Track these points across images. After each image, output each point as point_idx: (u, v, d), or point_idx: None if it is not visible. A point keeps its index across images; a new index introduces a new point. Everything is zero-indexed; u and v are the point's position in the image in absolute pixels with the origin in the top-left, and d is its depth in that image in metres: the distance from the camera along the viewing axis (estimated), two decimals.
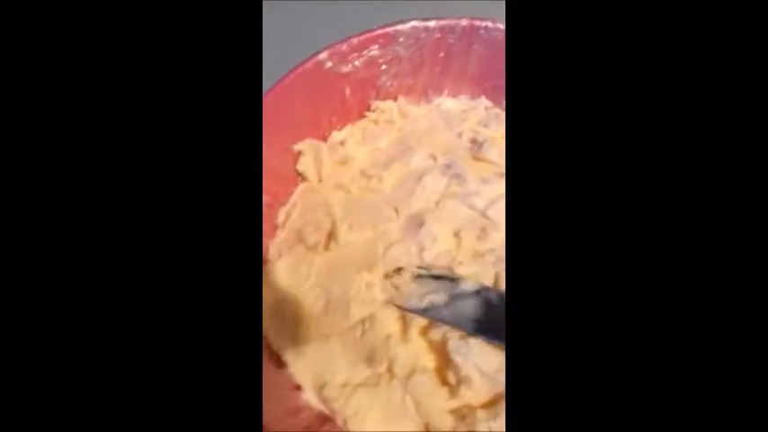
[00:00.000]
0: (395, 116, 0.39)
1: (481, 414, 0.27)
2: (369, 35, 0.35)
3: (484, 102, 0.40)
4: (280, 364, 0.29)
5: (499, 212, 0.33)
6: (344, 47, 0.34)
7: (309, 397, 0.28)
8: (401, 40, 0.36)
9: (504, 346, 0.27)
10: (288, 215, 0.35)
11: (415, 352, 0.29)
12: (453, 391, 0.28)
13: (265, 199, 0.33)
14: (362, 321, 0.30)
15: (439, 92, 0.40)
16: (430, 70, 0.39)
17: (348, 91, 0.37)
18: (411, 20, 0.36)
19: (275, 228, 0.34)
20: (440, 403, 0.28)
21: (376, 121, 0.39)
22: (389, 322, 0.30)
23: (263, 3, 0.28)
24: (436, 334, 0.29)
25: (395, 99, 0.39)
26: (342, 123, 0.38)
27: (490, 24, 0.36)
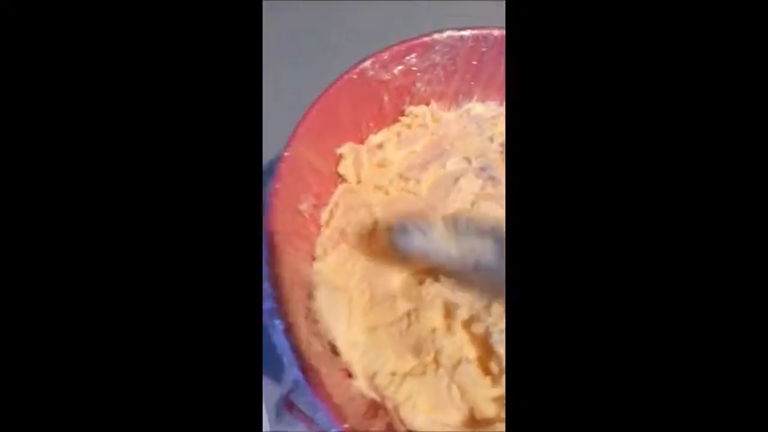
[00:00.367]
0: (428, 120, 0.41)
1: None
2: (409, 44, 0.37)
3: None
4: (335, 352, 0.31)
5: None
6: (386, 55, 0.36)
7: (361, 384, 0.30)
8: (437, 48, 0.38)
9: None
10: (331, 214, 0.37)
11: (459, 344, 0.31)
12: (496, 380, 0.30)
13: (310, 200, 0.35)
14: (408, 314, 0.32)
15: (469, 97, 0.42)
16: (462, 77, 0.41)
17: (386, 97, 0.38)
18: (447, 30, 0.38)
19: (319, 226, 0.36)
20: (484, 391, 0.30)
21: (409, 126, 0.40)
22: (434, 316, 0.32)
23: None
24: (479, 327, 0.31)
25: (427, 104, 0.41)
26: (378, 127, 0.40)
27: None
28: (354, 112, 0.37)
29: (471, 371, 0.30)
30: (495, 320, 0.31)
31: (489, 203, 0.36)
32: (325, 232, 0.36)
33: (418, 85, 0.40)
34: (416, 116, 0.41)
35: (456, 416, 0.30)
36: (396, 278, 0.34)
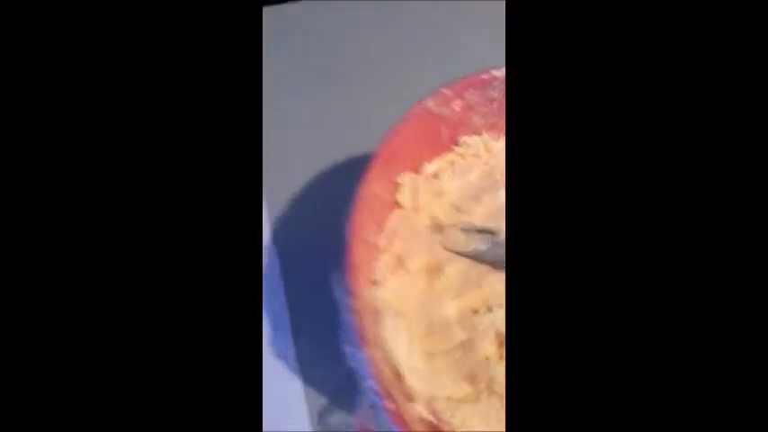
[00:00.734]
0: (481, 151, 0.43)
1: None
2: (470, 80, 0.39)
3: None
4: (398, 377, 0.33)
5: None
6: (449, 91, 0.38)
7: (421, 408, 0.32)
8: (495, 84, 0.40)
9: None
10: (389, 241, 0.39)
11: None
12: None
13: (371, 227, 0.37)
14: (462, 344, 0.34)
15: None
16: None
17: (444, 130, 0.40)
18: (503, 67, 0.40)
19: (378, 251, 0.38)
20: None
21: (463, 156, 0.42)
22: (487, 345, 0.34)
23: None
24: None
25: (480, 134, 0.43)
26: (434, 156, 0.42)
27: None
28: (415, 144, 0.39)
29: None
30: None
31: None
32: (383, 258, 0.38)
33: (474, 118, 0.41)
34: (470, 146, 0.42)
35: None
36: (451, 306, 0.36)
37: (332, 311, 0.33)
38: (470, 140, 0.42)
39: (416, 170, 0.41)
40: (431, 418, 0.32)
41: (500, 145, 0.44)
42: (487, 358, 0.34)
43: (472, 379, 0.33)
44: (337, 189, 0.37)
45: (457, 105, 0.39)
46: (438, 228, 0.39)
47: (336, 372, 0.34)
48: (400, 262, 0.37)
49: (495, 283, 0.36)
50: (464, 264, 0.37)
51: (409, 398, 0.33)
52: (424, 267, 0.37)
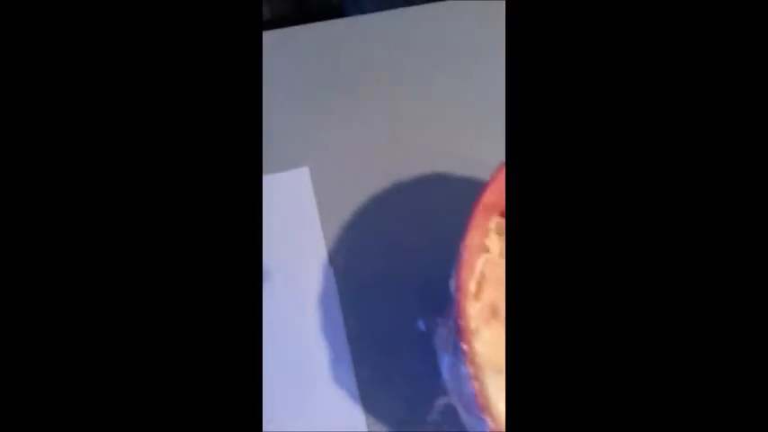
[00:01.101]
0: None
1: None
2: None
3: None
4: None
5: None
6: None
7: None
8: None
9: None
10: (479, 287, 0.38)
11: None
12: None
13: (463, 273, 0.36)
14: None
15: None
16: None
17: None
18: None
19: (468, 296, 0.38)
20: None
21: None
22: None
23: None
24: None
25: None
26: None
27: None
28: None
29: None
30: None
31: None
32: (476, 306, 0.37)
33: None
34: None
35: None
36: None
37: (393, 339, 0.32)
38: None
39: (502, 214, 0.40)
40: None
41: None
42: None
43: None
44: (393, 213, 0.36)
45: None
46: None
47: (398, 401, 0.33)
48: (494, 312, 0.37)
49: None
50: None
51: None
52: None
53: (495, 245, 0.39)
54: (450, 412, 0.34)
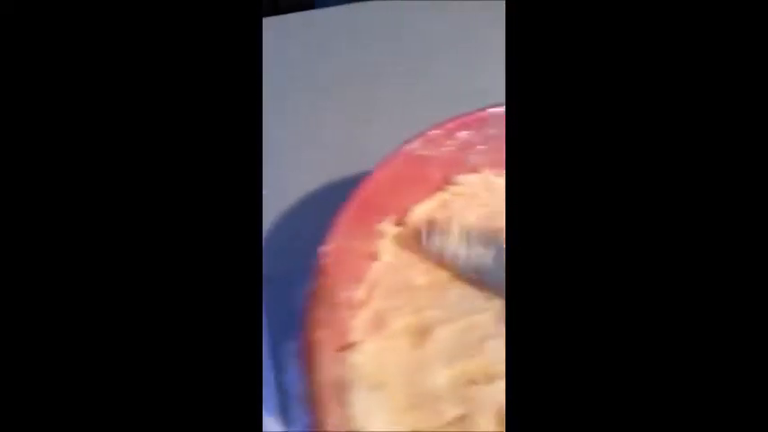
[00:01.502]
0: (478, 190, 0.38)
1: None
2: (463, 120, 0.34)
3: None
4: None
5: None
6: (438, 132, 0.34)
7: None
8: (493, 122, 0.35)
9: None
10: (369, 294, 0.35)
11: None
12: None
13: (348, 279, 0.34)
14: (456, 420, 0.30)
15: None
16: None
17: (434, 171, 0.36)
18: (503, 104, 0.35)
19: (354, 306, 0.35)
20: None
21: (462, 195, 0.38)
22: (486, 424, 0.30)
23: None
24: None
25: (479, 172, 0.39)
26: (421, 198, 0.38)
27: None
28: (397, 188, 0.35)
29: None
30: None
31: None
32: (361, 315, 0.35)
33: (471, 156, 0.37)
34: (465, 185, 0.38)
35: None
36: (442, 375, 0.32)
37: None
38: (466, 179, 0.38)
39: (400, 216, 0.37)
40: None
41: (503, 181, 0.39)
42: None
43: None
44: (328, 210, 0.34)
45: (448, 145, 0.35)
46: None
47: None
48: (381, 321, 0.34)
49: (499, 349, 0.32)
50: (459, 325, 0.33)
51: None
52: (410, 328, 0.34)
53: (391, 250, 0.36)
54: None
